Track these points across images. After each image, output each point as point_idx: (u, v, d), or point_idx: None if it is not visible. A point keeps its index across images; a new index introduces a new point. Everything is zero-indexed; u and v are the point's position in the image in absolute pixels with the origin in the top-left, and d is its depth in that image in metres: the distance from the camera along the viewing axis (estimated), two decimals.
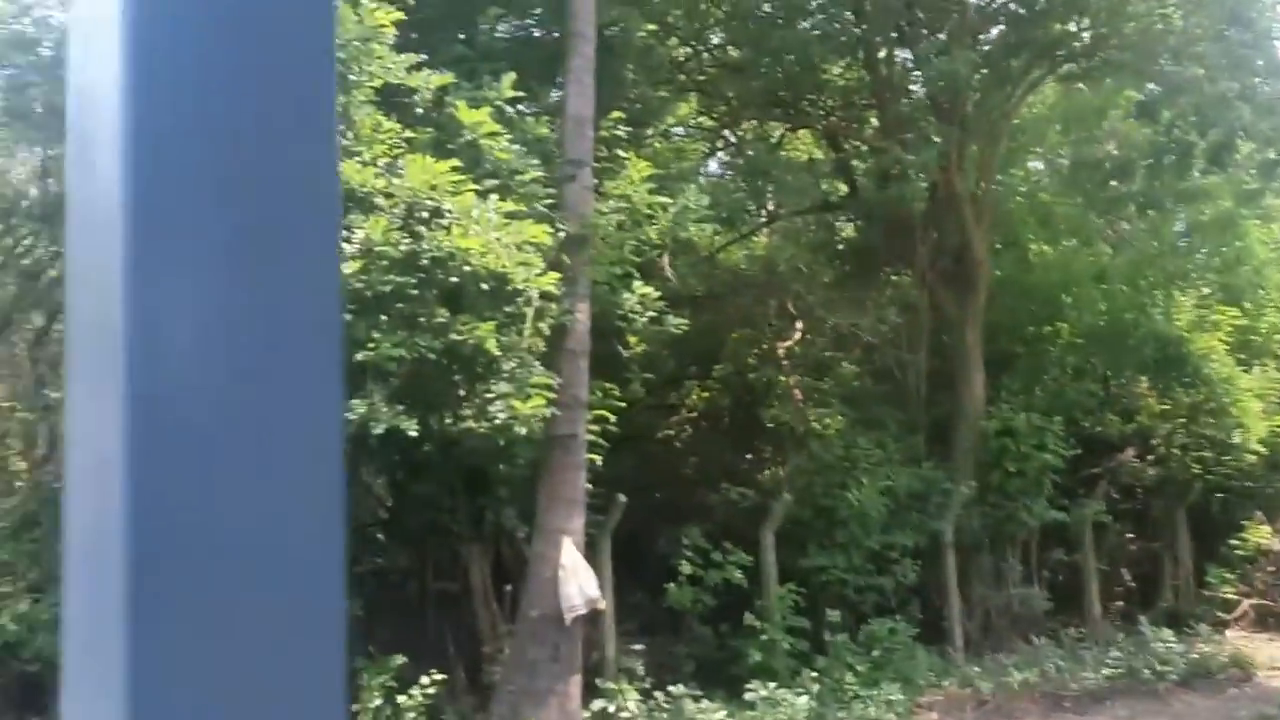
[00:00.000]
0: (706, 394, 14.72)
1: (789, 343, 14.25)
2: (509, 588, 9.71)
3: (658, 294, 9.60)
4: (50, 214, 8.50)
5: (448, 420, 8.11)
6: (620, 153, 10.17)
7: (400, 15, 8.27)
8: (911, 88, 13.76)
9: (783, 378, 13.80)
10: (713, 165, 16.12)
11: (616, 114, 10.02)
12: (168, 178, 0.63)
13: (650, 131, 12.50)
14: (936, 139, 12.27)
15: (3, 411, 10.67)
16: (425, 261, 7.65)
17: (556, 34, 10.90)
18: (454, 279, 7.83)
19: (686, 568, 10.53)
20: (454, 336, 7.68)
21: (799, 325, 14.42)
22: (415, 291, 7.57)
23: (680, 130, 14.91)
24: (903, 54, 13.54)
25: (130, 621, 0.59)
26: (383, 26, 8.17)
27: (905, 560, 11.52)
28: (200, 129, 0.65)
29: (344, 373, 0.68)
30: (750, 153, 14.32)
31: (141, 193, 0.63)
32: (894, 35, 13.12)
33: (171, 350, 0.62)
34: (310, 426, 0.66)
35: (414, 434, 7.39)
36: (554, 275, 8.25)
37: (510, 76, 8.85)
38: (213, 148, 0.65)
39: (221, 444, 0.63)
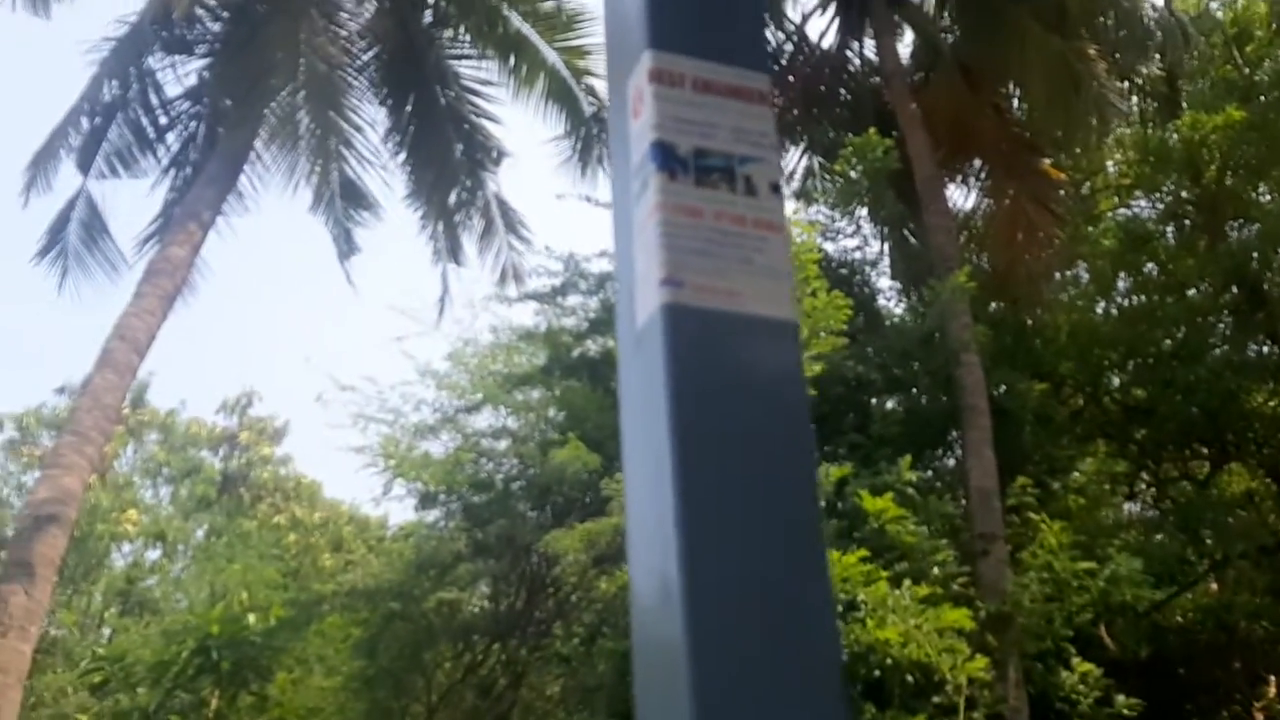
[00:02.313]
0: None
1: (1263, 704, 12.44)
2: None
3: (1100, 669, 8.73)
4: (503, 631, 9.41)
5: None
6: (1033, 515, 9.77)
7: None
8: None
9: None
10: (1129, 506, 14.97)
11: (1023, 480, 9.73)
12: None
13: (1056, 485, 11.93)
14: None
15: None
16: (845, 657, 7.55)
17: (944, 399, 10.99)
18: (876, 672, 7.63)
19: None
20: None
21: (1272, 681, 12.60)
22: None
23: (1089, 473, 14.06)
24: None
25: None
26: None
27: None
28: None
29: None
30: (1175, 495, 13.19)
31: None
32: None
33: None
34: None
35: None
36: (982, 660, 7.79)
37: (907, 459, 8.96)
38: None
39: None
